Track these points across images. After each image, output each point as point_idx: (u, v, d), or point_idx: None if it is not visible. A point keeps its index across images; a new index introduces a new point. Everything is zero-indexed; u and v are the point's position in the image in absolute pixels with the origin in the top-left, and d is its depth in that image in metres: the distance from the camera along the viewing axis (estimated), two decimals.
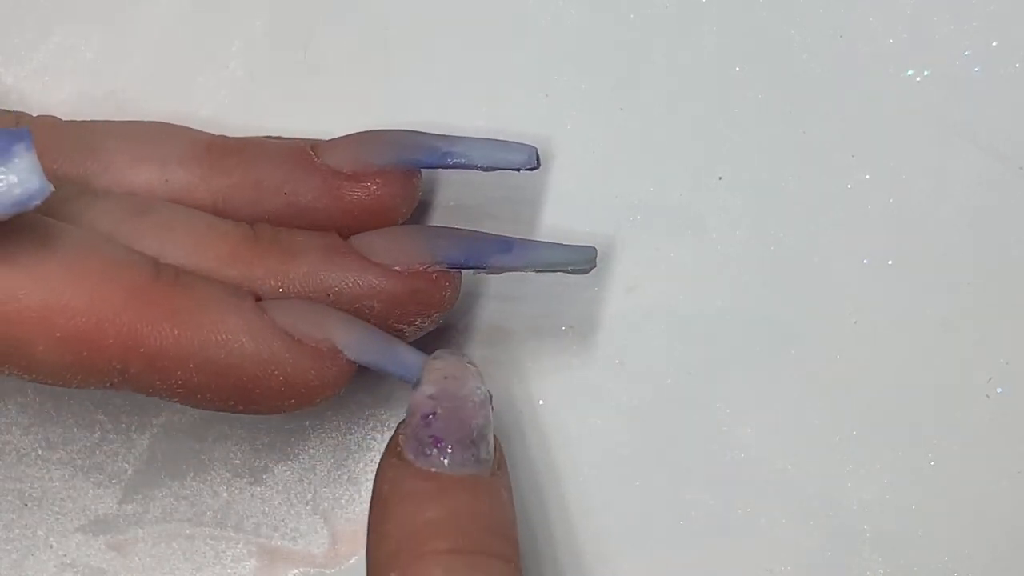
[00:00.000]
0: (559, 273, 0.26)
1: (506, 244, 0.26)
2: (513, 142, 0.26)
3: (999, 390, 0.28)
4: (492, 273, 0.26)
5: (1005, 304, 0.28)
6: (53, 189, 0.22)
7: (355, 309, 0.25)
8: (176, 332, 0.24)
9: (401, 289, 0.25)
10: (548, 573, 0.28)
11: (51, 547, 0.29)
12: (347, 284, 0.25)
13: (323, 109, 0.29)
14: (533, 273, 0.26)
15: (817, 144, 0.28)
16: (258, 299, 0.25)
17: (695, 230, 0.29)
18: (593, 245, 0.26)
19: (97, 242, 0.24)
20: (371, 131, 0.27)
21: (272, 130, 0.29)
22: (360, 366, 0.25)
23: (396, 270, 0.25)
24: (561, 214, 0.29)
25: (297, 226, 0.26)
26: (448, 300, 0.26)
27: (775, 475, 0.28)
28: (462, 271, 0.26)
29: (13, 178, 0.21)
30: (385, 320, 0.26)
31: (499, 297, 0.29)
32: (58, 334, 0.23)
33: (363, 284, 0.25)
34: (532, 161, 0.26)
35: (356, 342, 0.25)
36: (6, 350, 0.23)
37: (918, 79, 0.28)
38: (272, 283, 0.25)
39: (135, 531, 0.29)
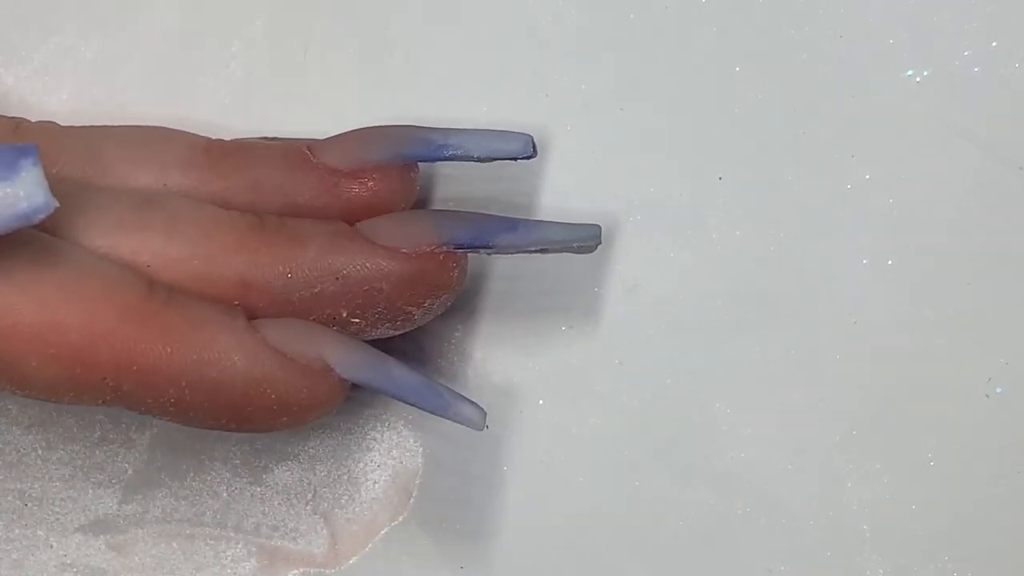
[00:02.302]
0: (564, 254, 0.26)
1: (511, 223, 0.26)
2: (509, 131, 0.26)
3: (999, 390, 0.28)
4: (498, 253, 0.26)
5: (1005, 304, 0.28)
6: (58, 205, 0.22)
7: (364, 292, 0.25)
8: (169, 350, 0.24)
9: (409, 270, 0.25)
10: (548, 574, 0.28)
11: (51, 547, 0.29)
12: (355, 267, 0.25)
13: (323, 109, 0.29)
14: (538, 256, 0.26)
15: (817, 144, 0.28)
16: (251, 318, 0.25)
17: (695, 230, 0.29)
18: (598, 223, 0.26)
19: (92, 260, 0.24)
20: (366, 127, 0.27)
21: (272, 130, 0.29)
22: (355, 384, 0.25)
23: (404, 252, 0.25)
24: (561, 214, 0.29)
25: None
26: (456, 281, 0.26)
27: (775, 475, 0.28)
28: (469, 252, 0.26)
29: (20, 192, 0.22)
30: (395, 303, 0.26)
31: (499, 298, 0.29)
32: (52, 351, 0.23)
33: (371, 267, 0.25)
34: (528, 149, 0.26)
35: (349, 360, 0.25)
36: (0, 366, 0.23)
37: (918, 79, 0.28)
38: (280, 269, 0.25)
39: (135, 531, 0.29)
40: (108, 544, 0.29)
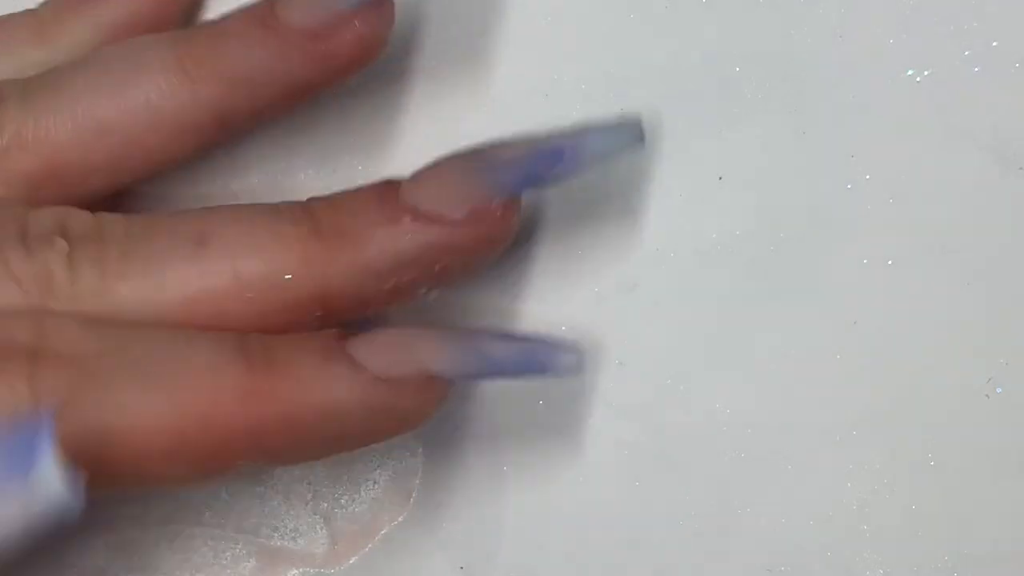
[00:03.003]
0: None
1: (558, 152, 0.25)
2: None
3: (999, 390, 0.28)
4: (553, 185, 0.25)
5: (1005, 304, 0.28)
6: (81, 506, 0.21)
7: (436, 268, 0.25)
8: (288, 421, 0.24)
9: (472, 235, 0.25)
10: (548, 574, 0.28)
11: (51, 547, 0.29)
12: (420, 248, 0.25)
13: (323, 108, 0.29)
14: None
15: (817, 144, 0.28)
16: (335, 324, 0.25)
17: (695, 230, 0.29)
18: (636, 115, 0.25)
19: (183, 343, 0.24)
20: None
21: (273, 131, 0.29)
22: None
23: (461, 217, 0.24)
24: (560, 215, 0.29)
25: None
26: (514, 227, 0.25)
27: (775, 475, 0.28)
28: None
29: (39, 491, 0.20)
30: (462, 266, 0.25)
31: (498, 298, 0.29)
32: (180, 454, 0.23)
33: (435, 242, 0.24)
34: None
35: (450, 363, 0.24)
36: (122, 471, 0.23)
37: (918, 79, 0.28)
38: (347, 272, 0.25)
39: (135, 531, 0.29)
40: (108, 544, 0.29)
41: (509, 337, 0.25)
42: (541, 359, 0.24)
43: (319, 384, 0.24)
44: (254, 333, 0.24)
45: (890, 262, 0.28)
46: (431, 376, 0.24)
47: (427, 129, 0.28)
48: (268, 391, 0.23)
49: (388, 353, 0.24)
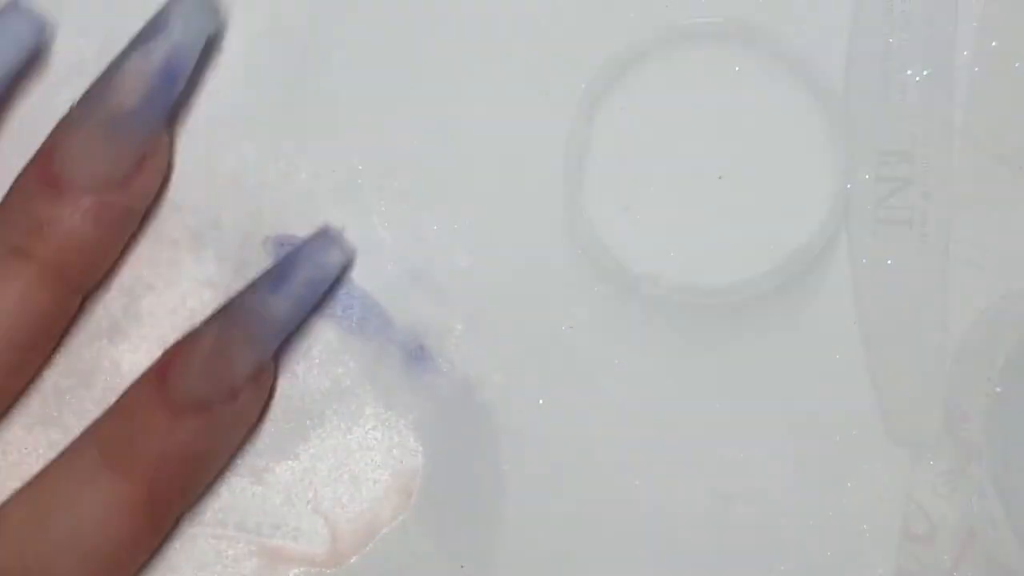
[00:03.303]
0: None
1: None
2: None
3: (999, 390, 0.28)
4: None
5: (1004, 304, 0.28)
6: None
7: None
8: (183, 480, 0.27)
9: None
10: (547, 573, 0.28)
11: None
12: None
13: (323, 109, 0.29)
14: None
15: (817, 144, 0.28)
16: (161, 381, 0.26)
17: (695, 230, 0.29)
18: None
19: (76, 485, 0.26)
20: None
21: (272, 129, 0.29)
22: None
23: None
24: (558, 215, 0.29)
25: None
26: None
27: (775, 475, 0.28)
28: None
29: None
30: None
31: (499, 297, 0.29)
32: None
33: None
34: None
35: (259, 350, 0.26)
36: None
37: (918, 79, 0.28)
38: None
39: None
40: None
41: (280, 277, 0.26)
42: (319, 275, 0.27)
43: (179, 448, 0.26)
44: (102, 423, 0.27)
45: (889, 262, 0.28)
46: (257, 366, 0.26)
47: (429, 129, 0.28)
48: (144, 481, 0.26)
49: (208, 377, 0.26)
